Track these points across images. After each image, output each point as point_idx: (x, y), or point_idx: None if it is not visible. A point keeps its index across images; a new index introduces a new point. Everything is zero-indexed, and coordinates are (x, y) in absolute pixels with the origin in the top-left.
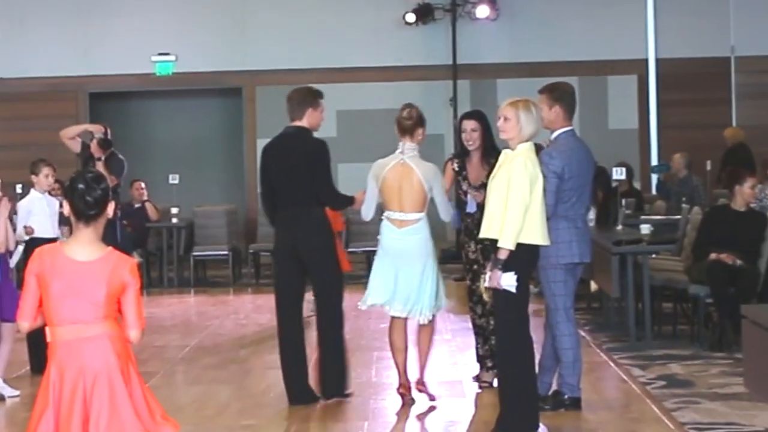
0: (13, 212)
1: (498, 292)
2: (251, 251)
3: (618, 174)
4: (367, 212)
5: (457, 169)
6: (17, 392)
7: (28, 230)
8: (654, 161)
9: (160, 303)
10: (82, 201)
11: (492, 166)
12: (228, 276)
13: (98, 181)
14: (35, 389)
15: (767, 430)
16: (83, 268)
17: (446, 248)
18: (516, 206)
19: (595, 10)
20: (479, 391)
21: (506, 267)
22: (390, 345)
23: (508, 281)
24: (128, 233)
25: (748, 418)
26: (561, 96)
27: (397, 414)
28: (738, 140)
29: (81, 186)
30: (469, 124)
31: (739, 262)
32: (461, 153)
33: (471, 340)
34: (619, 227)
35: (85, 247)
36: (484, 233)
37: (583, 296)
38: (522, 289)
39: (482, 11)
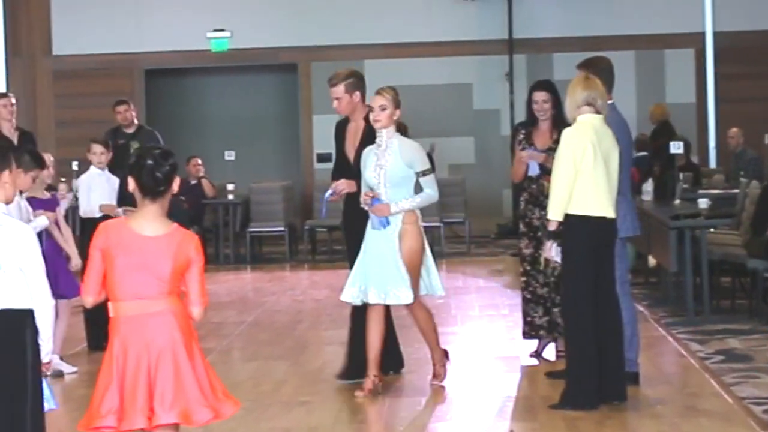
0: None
1: (563, 264)
2: (307, 227)
3: (675, 148)
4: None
5: (522, 137)
6: (75, 369)
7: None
8: (711, 135)
9: (217, 279)
10: (151, 177)
11: (559, 136)
12: (284, 252)
13: (166, 156)
14: (93, 366)
15: None
16: (150, 243)
17: (503, 224)
18: (559, 178)
19: None
20: (537, 364)
21: (556, 238)
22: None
23: (555, 253)
24: (185, 210)
25: None
26: (599, 71)
27: (454, 389)
28: None
29: (149, 162)
30: (540, 96)
31: None
32: (528, 122)
33: None
34: (677, 201)
35: (152, 222)
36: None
37: (641, 271)
38: (579, 264)
39: None
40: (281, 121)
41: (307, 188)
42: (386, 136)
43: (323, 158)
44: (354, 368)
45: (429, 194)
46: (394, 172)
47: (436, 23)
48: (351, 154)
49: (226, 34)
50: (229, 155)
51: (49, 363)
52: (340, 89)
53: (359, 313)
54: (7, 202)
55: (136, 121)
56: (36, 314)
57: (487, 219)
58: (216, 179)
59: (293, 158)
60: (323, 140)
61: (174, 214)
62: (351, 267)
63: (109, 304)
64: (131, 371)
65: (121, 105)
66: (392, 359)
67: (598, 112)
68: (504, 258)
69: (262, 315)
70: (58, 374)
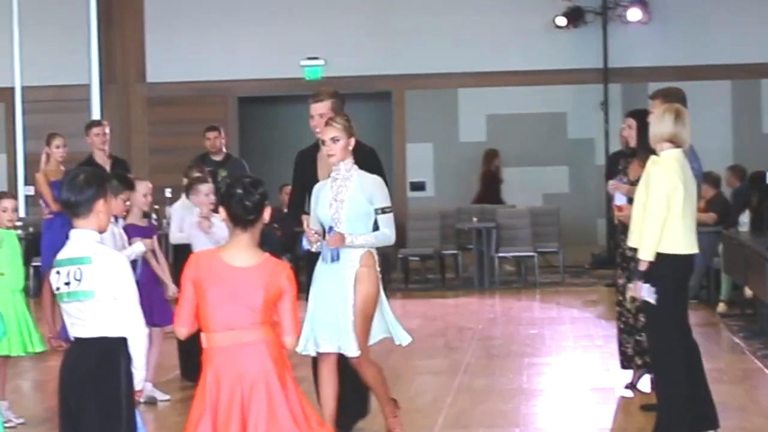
0: (162, 216)
1: (646, 304)
2: (400, 256)
3: None
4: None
5: (621, 167)
6: (168, 396)
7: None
8: None
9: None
10: (241, 206)
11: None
12: None
13: (256, 185)
14: (185, 393)
15: None
16: (241, 273)
17: (597, 253)
18: (652, 217)
19: (749, 12)
20: (632, 396)
21: (647, 278)
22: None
23: (647, 293)
24: (278, 238)
25: None
26: (673, 101)
27: (548, 421)
28: None
29: (239, 191)
30: (627, 121)
31: None
32: (626, 152)
33: None
34: None
35: (243, 252)
36: (629, 241)
37: (738, 302)
38: (667, 302)
39: (634, 14)
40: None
41: (400, 216)
42: (344, 168)
43: (416, 186)
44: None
45: (387, 234)
46: (353, 206)
47: (531, 51)
48: None
49: (320, 62)
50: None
51: (141, 391)
52: (326, 105)
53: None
54: (101, 231)
55: (224, 150)
56: (130, 342)
57: (581, 249)
58: (308, 207)
59: None
60: (416, 168)
61: (266, 242)
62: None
63: (202, 335)
64: (224, 402)
65: (211, 131)
66: (357, 405)
67: (679, 145)
68: (598, 288)
69: None
70: (152, 401)
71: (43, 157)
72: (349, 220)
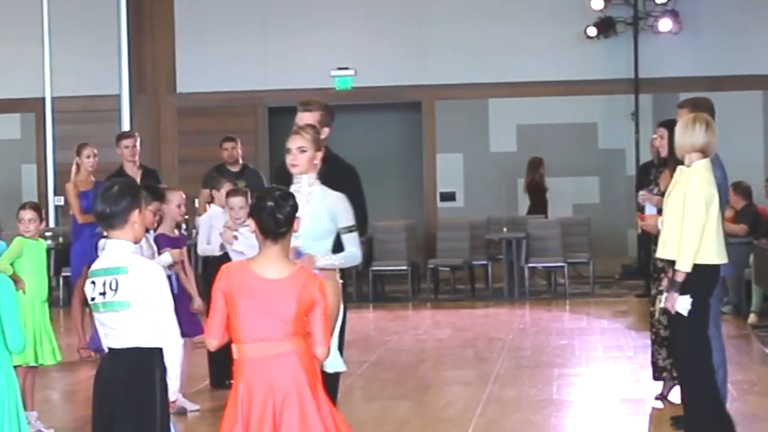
0: (192, 227)
1: (676, 315)
2: (430, 266)
3: None
4: None
5: (652, 177)
6: (197, 406)
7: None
8: None
9: None
10: (272, 219)
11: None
12: (407, 291)
13: (287, 197)
14: (215, 403)
15: None
16: (273, 286)
17: (627, 264)
18: (692, 228)
19: None
20: (662, 407)
21: (683, 289)
22: None
23: (683, 305)
24: None
25: None
26: (701, 111)
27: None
28: None
29: (270, 203)
30: (658, 131)
31: None
32: (659, 162)
33: None
34: None
35: (274, 264)
36: (660, 253)
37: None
38: (701, 312)
39: (665, 25)
40: (404, 160)
41: (431, 227)
42: (306, 182)
43: (446, 197)
44: None
45: (354, 253)
46: (314, 224)
47: (562, 62)
48: None
49: (350, 72)
50: None
51: (175, 401)
52: (314, 116)
53: None
54: (136, 242)
55: (241, 160)
56: (165, 352)
57: (611, 259)
58: None
59: (416, 197)
60: (447, 179)
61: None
62: None
63: (233, 346)
64: (256, 414)
65: (228, 142)
66: None
67: (707, 155)
68: (628, 299)
69: (385, 354)
70: (182, 412)
71: (74, 168)
72: (310, 237)
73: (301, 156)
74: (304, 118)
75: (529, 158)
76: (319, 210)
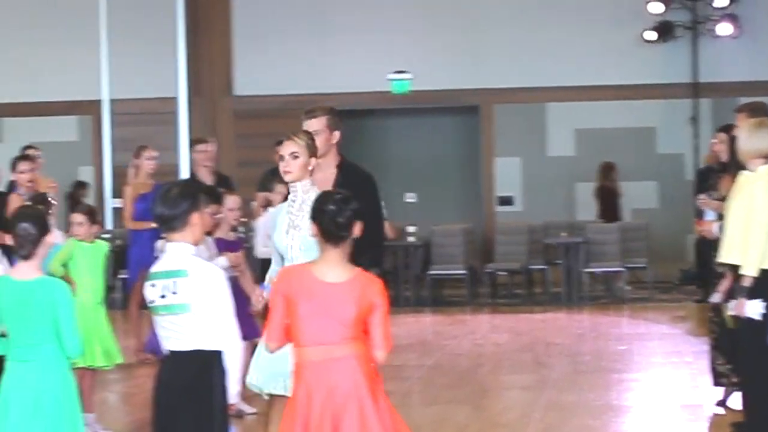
0: (249, 230)
1: (742, 320)
2: (488, 270)
3: None
4: None
5: (711, 182)
6: (255, 410)
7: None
8: None
9: (397, 322)
10: (333, 223)
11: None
12: (465, 295)
13: (348, 201)
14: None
15: None
16: (333, 289)
17: (686, 269)
18: (759, 233)
19: None
20: (722, 413)
21: (752, 294)
22: None
23: (754, 309)
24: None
25: None
26: (759, 116)
27: None
28: None
29: (331, 207)
30: (718, 136)
31: None
32: (718, 167)
33: None
34: None
35: (334, 268)
36: (723, 258)
37: None
38: (764, 317)
39: (724, 29)
40: (462, 164)
41: (488, 231)
42: (301, 190)
43: (504, 201)
44: None
45: None
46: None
47: (620, 66)
48: None
49: (408, 75)
50: (410, 197)
51: (235, 404)
52: (321, 122)
53: None
54: (196, 244)
55: None
56: (225, 355)
57: (670, 264)
58: (396, 221)
59: (474, 201)
60: (504, 183)
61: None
62: None
63: (293, 349)
64: (316, 417)
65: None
66: None
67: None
68: (687, 304)
69: (443, 358)
70: (239, 415)
71: (132, 171)
72: (305, 248)
73: (294, 162)
74: (311, 125)
75: (600, 163)
76: None
